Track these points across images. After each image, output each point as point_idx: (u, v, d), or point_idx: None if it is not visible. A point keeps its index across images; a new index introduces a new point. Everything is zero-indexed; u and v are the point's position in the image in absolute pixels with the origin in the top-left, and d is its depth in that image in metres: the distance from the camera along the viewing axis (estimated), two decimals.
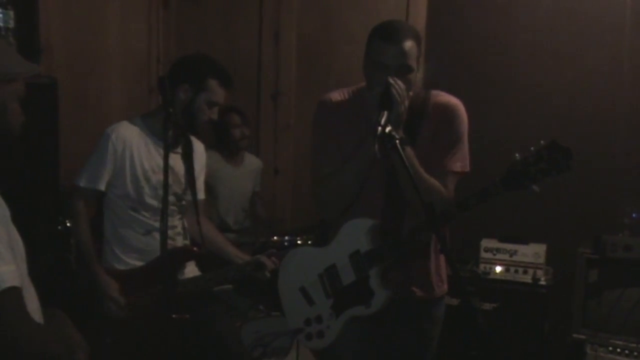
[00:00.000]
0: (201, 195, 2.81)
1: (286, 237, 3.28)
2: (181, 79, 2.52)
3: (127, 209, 2.57)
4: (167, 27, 4.15)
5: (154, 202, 2.56)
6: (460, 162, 2.13)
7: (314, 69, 4.08)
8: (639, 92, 3.47)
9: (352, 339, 2.22)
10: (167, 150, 1.98)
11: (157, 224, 2.53)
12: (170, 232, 2.60)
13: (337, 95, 2.24)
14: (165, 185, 1.92)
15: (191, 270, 2.68)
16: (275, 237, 3.32)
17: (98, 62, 3.51)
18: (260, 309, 3.03)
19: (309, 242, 2.81)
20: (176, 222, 2.66)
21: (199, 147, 2.78)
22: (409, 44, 2.01)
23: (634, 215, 3.14)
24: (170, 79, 2.48)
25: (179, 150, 2.65)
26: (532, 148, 1.83)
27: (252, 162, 3.99)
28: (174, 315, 2.39)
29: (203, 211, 2.83)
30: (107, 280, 2.50)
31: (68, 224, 2.21)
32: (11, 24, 2.38)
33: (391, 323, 2.21)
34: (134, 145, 2.54)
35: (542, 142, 1.82)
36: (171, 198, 2.60)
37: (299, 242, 3.21)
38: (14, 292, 1.28)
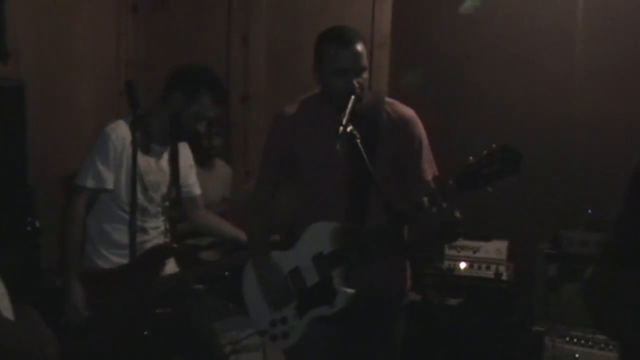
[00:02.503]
0: (197, 190, 2.87)
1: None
2: (176, 87, 2.57)
3: (116, 208, 2.59)
4: (135, 31, 4.17)
5: (143, 203, 2.60)
6: (431, 168, 2.24)
7: (283, 72, 4.14)
8: (591, 94, 3.61)
9: (318, 337, 2.28)
10: (135, 151, 2.02)
11: (143, 223, 2.60)
12: (154, 232, 2.66)
13: (290, 109, 2.34)
14: (134, 185, 1.95)
15: (171, 267, 2.71)
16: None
17: (67, 65, 3.52)
18: (230, 307, 3.07)
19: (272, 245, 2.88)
20: (159, 222, 2.70)
21: (183, 147, 2.81)
22: (360, 45, 2.11)
23: (589, 211, 3.27)
24: (167, 83, 2.56)
25: (166, 150, 2.68)
26: (484, 151, 1.91)
27: (222, 168, 4.00)
28: (157, 310, 2.45)
29: (202, 204, 2.91)
30: (77, 288, 2.51)
31: (37, 224, 2.24)
32: None
33: (356, 321, 2.27)
34: (130, 143, 2.51)
35: (494, 145, 1.91)
36: (157, 198, 2.65)
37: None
38: None
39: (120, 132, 2.55)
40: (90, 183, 2.53)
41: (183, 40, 4.25)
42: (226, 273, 3.22)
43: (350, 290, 2.17)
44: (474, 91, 3.85)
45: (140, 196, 2.56)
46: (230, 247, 3.34)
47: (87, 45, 3.66)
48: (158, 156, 2.66)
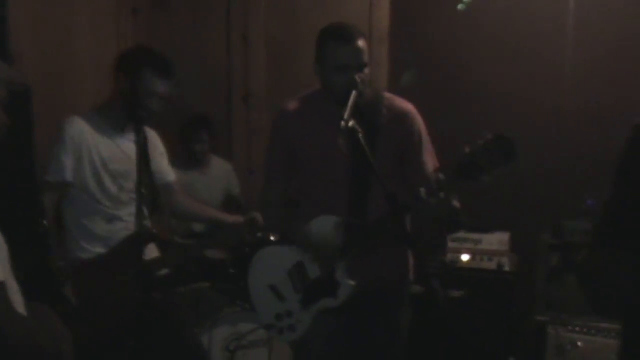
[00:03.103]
0: (171, 176, 2.89)
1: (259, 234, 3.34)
2: (119, 71, 2.60)
3: (89, 199, 2.62)
4: (136, 32, 4.19)
5: (113, 191, 2.63)
6: (432, 161, 2.28)
7: (283, 70, 4.17)
8: (589, 83, 3.65)
9: (324, 329, 2.31)
10: (145, 150, 2.04)
11: (118, 212, 2.64)
12: (130, 219, 2.67)
13: (291, 105, 2.37)
14: (139, 177, 1.96)
15: (152, 251, 2.73)
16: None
17: (69, 67, 3.55)
18: (236, 303, 3.11)
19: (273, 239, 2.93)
20: (133, 209, 2.70)
21: (151, 134, 2.82)
22: (361, 41, 2.15)
23: (589, 202, 3.30)
24: (113, 71, 2.60)
25: (132, 137, 2.70)
26: (479, 141, 1.92)
27: (220, 166, 4.02)
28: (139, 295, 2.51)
29: (179, 190, 2.94)
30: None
31: (45, 224, 2.28)
32: None
33: (360, 313, 2.31)
34: (90, 135, 2.59)
35: (488, 135, 1.93)
36: (128, 186, 2.67)
37: (272, 238, 3.29)
38: None
39: (78, 123, 2.59)
40: (50, 177, 2.56)
41: (183, 40, 4.28)
42: (231, 270, 3.27)
43: (352, 282, 2.20)
44: (472, 84, 3.88)
45: (109, 185, 2.61)
46: (235, 243, 3.38)
47: (88, 47, 3.68)
48: (122, 144, 2.68)
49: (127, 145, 2.68)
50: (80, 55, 3.64)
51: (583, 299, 3.12)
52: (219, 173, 4.00)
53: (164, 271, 2.76)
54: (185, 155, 3.89)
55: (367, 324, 2.35)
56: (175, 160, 3.90)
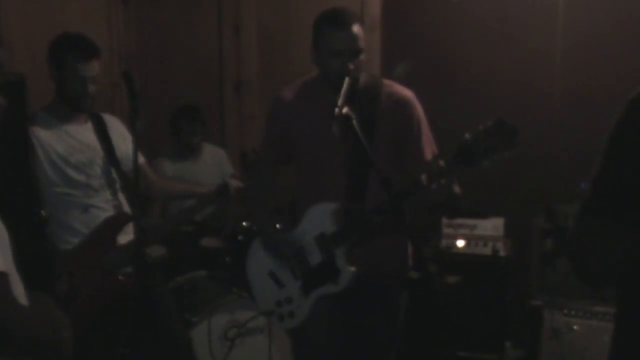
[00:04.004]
0: (140, 158, 2.84)
1: (254, 226, 3.34)
2: (47, 62, 2.61)
3: (58, 194, 2.62)
4: (127, 22, 4.17)
5: (81, 180, 2.63)
6: (430, 148, 2.28)
7: (275, 59, 4.16)
8: (580, 68, 3.67)
9: (322, 316, 2.33)
10: (136, 142, 2.04)
11: (91, 200, 2.65)
12: (105, 205, 2.69)
13: (288, 92, 2.37)
14: (136, 169, 1.98)
15: (129, 232, 2.69)
16: (244, 223, 3.39)
17: None
18: (233, 291, 3.12)
19: (277, 226, 2.92)
20: (108, 196, 2.71)
21: (110, 119, 2.82)
22: (356, 27, 2.14)
23: (583, 185, 3.31)
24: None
25: (89, 126, 2.71)
26: (480, 126, 1.94)
27: (212, 152, 4.02)
28: (120, 277, 2.56)
29: (151, 171, 2.96)
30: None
31: (43, 214, 2.28)
32: None
33: (359, 298, 2.32)
34: (42, 135, 2.59)
35: (489, 121, 1.93)
36: (95, 172, 2.67)
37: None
38: (1, 278, 1.35)
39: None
40: None
41: (174, 29, 4.26)
42: (227, 258, 3.27)
43: (353, 268, 2.21)
44: (463, 70, 3.89)
45: (75, 176, 2.62)
46: (230, 230, 3.39)
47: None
48: (78, 135, 2.68)
49: (84, 134, 2.68)
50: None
51: (577, 283, 3.15)
52: (212, 160, 4.00)
53: (159, 252, 2.76)
54: (178, 146, 3.89)
55: (365, 310, 2.36)
56: (167, 150, 3.92)
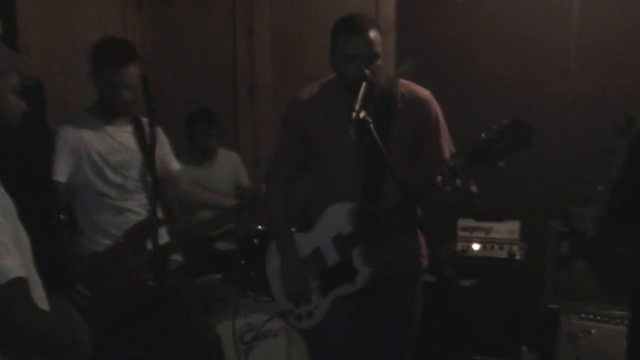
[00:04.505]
0: (175, 165, 2.92)
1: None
2: (90, 73, 2.63)
3: (95, 195, 2.63)
4: (142, 27, 4.20)
5: (118, 182, 2.65)
6: (449, 147, 2.28)
7: (288, 62, 4.17)
8: (596, 70, 3.64)
9: (339, 316, 2.33)
10: (153, 140, 2.05)
11: (126, 203, 2.66)
12: (139, 209, 2.69)
13: (305, 93, 2.36)
14: (153, 172, 1.98)
15: (161, 236, 2.72)
16: (259, 227, 3.40)
17: (76, 62, 3.53)
18: (248, 295, 3.12)
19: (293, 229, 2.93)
20: (143, 200, 2.72)
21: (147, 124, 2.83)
22: (373, 33, 2.14)
23: (598, 188, 3.29)
24: None
25: (129, 129, 2.72)
26: (495, 127, 1.94)
27: (227, 157, 4.02)
28: (149, 283, 2.54)
29: (184, 178, 2.97)
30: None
31: (62, 218, 2.31)
32: None
33: (375, 298, 2.33)
34: (84, 134, 2.61)
35: (504, 120, 1.93)
36: (132, 175, 2.68)
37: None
38: (20, 282, 1.35)
39: (69, 127, 2.60)
40: (56, 177, 2.58)
41: (188, 33, 4.28)
42: (242, 261, 3.28)
43: (370, 269, 2.22)
44: (478, 73, 3.88)
45: (112, 177, 2.63)
46: (244, 236, 3.40)
47: (94, 42, 3.68)
48: (117, 136, 2.69)
49: (123, 136, 2.70)
50: (87, 49, 3.62)
51: (593, 286, 3.12)
52: (227, 165, 4.00)
53: (176, 259, 2.77)
54: (193, 151, 3.90)
55: (381, 310, 2.37)
56: (182, 155, 3.91)
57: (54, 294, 1.56)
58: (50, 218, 2.24)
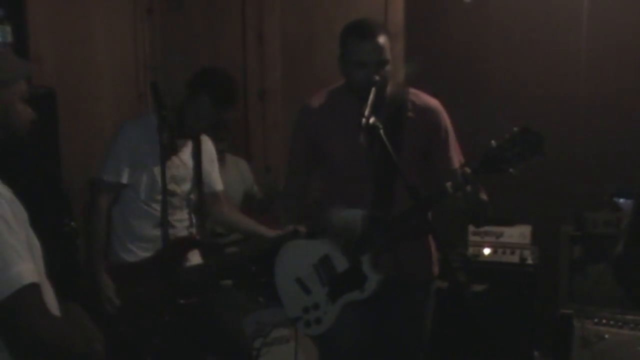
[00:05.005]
0: (219, 186, 2.90)
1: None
2: (186, 85, 2.63)
3: (140, 202, 2.64)
4: (152, 33, 4.21)
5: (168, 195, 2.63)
6: (458, 157, 2.29)
7: (299, 67, 4.17)
8: (608, 72, 3.62)
9: (349, 322, 2.32)
10: (164, 149, 2.07)
11: (168, 217, 2.62)
12: (179, 225, 2.71)
13: (316, 101, 2.37)
14: (164, 181, 1.99)
15: (195, 259, 2.76)
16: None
17: (87, 70, 3.57)
18: (259, 301, 3.12)
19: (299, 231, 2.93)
20: (185, 215, 2.74)
21: (206, 142, 2.85)
22: (382, 38, 2.14)
23: (610, 190, 3.26)
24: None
25: (189, 145, 2.73)
26: (506, 135, 1.94)
27: (235, 164, 4.02)
28: (182, 301, 2.50)
29: (225, 200, 2.94)
30: (106, 280, 2.59)
31: (73, 225, 2.32)
32: (9, 39, 2.46)
33: (385, 305, 2.32)
34: (149, 139, 2.58)
35: (515, 128, 1.93)
36: (181, 192, 2.69)
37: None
38: (33, 288, 1.36)
39: (135, 129, 2.61)
40: (106, 176, 2.59)
41: (198, 39, 4.29)
42: (253, 268, 3.27)
43: (380, 275, 2.21)
44: (488, 77, 3.87)
45: (161, 189, 2.60)
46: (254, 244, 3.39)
47: (105, 50, 3.70)
48: (179, 150, 2.71)
49: (184, 151, 2.72)
50: (98, 56, 3.66)
51: (606, 291, 3.09)
52: (235, 172, 4.00)
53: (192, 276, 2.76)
54: None
55: (391, 317, 2.36)
56: None
57: (69, 302, 1.57)
58: (62, 225, 2.26)
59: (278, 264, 2.44)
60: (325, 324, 2.32)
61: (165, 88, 3.31)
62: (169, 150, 2.63)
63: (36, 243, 1.46)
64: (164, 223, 2.53)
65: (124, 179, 2.59)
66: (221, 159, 3.91)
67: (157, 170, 2.58)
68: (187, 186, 2.71)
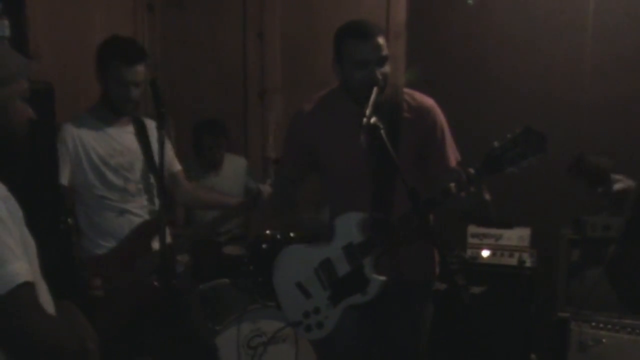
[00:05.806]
0: (176, 167, 2.91)
1: (278, 235, 3.33)
2: (95, 65, 2.63)
3: (96, 197, 2.64)
4: (152, 30, 4.21)
5: (119, 184, 2.65)
6: (454, 155, 2.29)
7: (299, 67, 4.17)
8: (608, 78, 3.61)
9: (349, 324, 2.32)
10: (162, 143, 2.06)
11: (127, 205, 2.66)
12: (140, 211, 2.70)
13: (308, 106, 2.38)
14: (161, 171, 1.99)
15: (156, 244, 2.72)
16: (267, 232, 3.39)
17: (86, 66, 3.54)
18: (257, 300, 3.11)
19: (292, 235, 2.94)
20: (143, 201, 2.73)
21: (150, 124, 2.80)
22: (380, 37, 2.14)
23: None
24: None
25: (130, 130, 2.72)
26: (508, 135, 1.94)
27: (233, 162, 4.02)
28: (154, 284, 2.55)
29: (185, 179, 2.96)
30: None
31: (69, 221, 2.32)
32: (7, 33, 2.45)
33: (386, 307, 2.32)
34: (84, 136, 2.62)
35: (517, 129, 1.93)
36: (134, 177, 2.68)
37: (291, 235, 3.28)
38: (28, 287, 1.35)
39: (69, 130, 2.61)
40: (61, 180, 2.59)
41: (199, 37, 4.29)
42: (250, 267, 3.27)
43: (382, 278, 2.20)
44: (489, 79, 3.87)
45: (113, 179, 2.63)
46: (252, 239, 3.39)
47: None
48: (119, 137, 2.69)
49: (126, 137, 2.70)
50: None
51: (604, 295, 3.08)
52: (233, 170, 4.00)
53: (182, 261, 2.77)
54: (200, 161, 3.89)
55: (391, 319, 2.36)
56: (190, 164, 3.90)
57: (63, 300, 1.56)
58: (58, 222, 2.24)
59: (277, 269, 2.42)
60: (326, 328, 2.31)
61: (165, 86, 3.31)
62: (110, 140, 2.65)
63: (31, 241, 1.45)
64: (124, 212, 2.59)
65: (62, 180, 2.59)
66: (219, 162, 3.92)
67: (100, 161, 2.61)
68: (137, 172, 2.70)
